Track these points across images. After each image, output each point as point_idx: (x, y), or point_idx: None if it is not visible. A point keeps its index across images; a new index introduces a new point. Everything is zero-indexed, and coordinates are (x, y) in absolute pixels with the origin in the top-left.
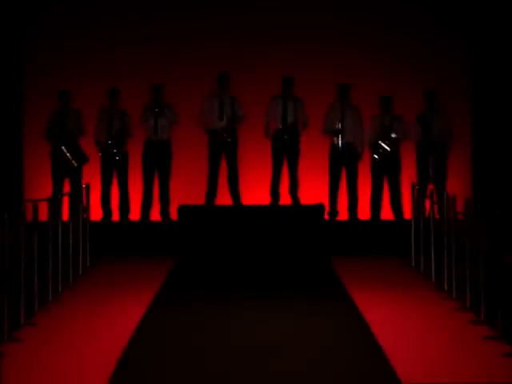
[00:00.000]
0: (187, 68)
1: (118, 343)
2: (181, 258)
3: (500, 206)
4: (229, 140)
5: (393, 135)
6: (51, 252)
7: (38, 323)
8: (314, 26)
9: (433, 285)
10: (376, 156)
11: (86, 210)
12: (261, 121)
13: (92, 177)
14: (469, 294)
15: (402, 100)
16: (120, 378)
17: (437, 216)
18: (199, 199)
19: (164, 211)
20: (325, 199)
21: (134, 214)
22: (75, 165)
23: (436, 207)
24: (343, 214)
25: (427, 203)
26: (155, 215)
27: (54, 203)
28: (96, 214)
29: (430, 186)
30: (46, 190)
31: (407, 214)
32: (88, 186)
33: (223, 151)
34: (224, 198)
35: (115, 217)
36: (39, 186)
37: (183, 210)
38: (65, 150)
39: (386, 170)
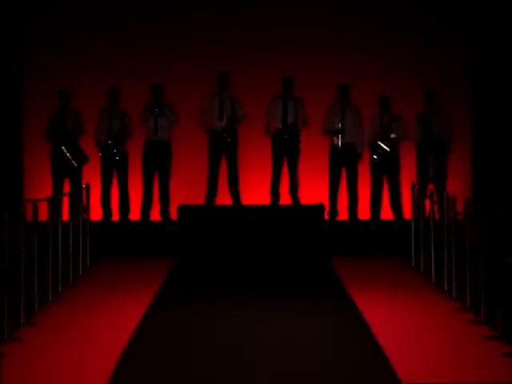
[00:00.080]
0: (187, 68)
1: (118, 343)
2: (181, 258)
3: (500, 206)
4: (229, 140)
5: (392, 135)
6: (51, 252)
7: (38, 323)
8: (314, 26)
9: (433, 285)
10: (375, 156)
11: (86, 210)
12: (261, 121)
13: (92, 177)
14: (469, 294)
15: (401, 100)
16: (120, 378)
17: (437, 216)
18: (199, 199)
19: (164, 211)
20: (325, 199)
21: (134, 214)
22: (75, 165)
23: (436, 207)
24: (343, 214)
25: (427, 203)
26: (155, 215)
27: (54, 203)
28: (96, 213)
29: (430, 186)
30: (46, 190)
31: (407, 214)
32: (88, 186)
33: (223, 151)
34: (224, 198)
35: (115, 217)
36: (39, 186)
37: (183, 210)
38: (65, 150)
39: (386, 170)
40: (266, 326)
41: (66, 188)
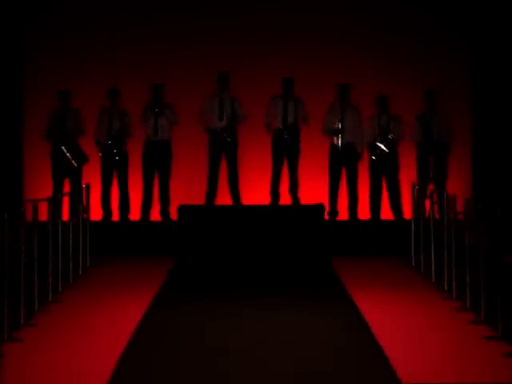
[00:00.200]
0: (187, 68)
1: (118, 343)
2: (181, 258)
3: (500, 206)
4: (229, 140)
5: (390, 136)
6: (51, 252)
7: (38, 323)
8: (314, 26)
9: (433, 285)
10: (374, 157)
11: (86, 210)
12: (261, 121)
13: (92, 177)
14: (469, 293)
15: (401, 100)
16: (120, 379)
17: (437, 216)
18: (199, 199)
19: (164, 211)
20: (325, 199)
21: (134, 214)
22: (75, 165)
23: (436, 207)
24: (343, 214)
25: (427, 203)
26: (155, 215)
27: (54, 203)
28: (96, 214)
29: (430, 186)
30: (46, 190)
31: (407, 214)
32: (88, 186)
33: (223, 151)
34: (224, 198)
35: (115, 217)
36: (39, 186)
37: (183, 209)
38: (65, 150)
39: (385, 170)
40: (266, 326)
41: (66, 188)
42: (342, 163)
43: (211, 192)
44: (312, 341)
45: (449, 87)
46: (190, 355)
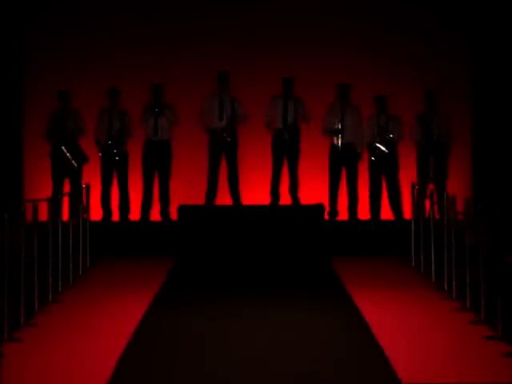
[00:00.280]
0: (187, 68)
1: (118, 343)
2: (181, 258)
3: (500, 206)
4: (229, 140)
5: (388, 136)
6: (51, 252)
7: (38, 323)
8: (314, 26)
9: (433, 285)
10: (373, 158)
11: (86, 210)
12: (261, 121)
13: (92, 177)
14: (469, 293)
15: (401, 100)
16: (120, 379)
17: (437, 216)
18: (199, 199)
19: (164, 211)
20: (325, 199)
21: (134, 214)
22: (75, 165)
23: (436, 207)
24: (343, 214)
25: (427, 203)
26: (155, 215)
27: (54, 203)
28: (96, 214)
29: (431, 186)
30: (46, 190)
31: (407, 214)
32: (88, 186)
33: (223, 151)
34: (224, 198)
35: (115, 217)
36: (39, 186)
37: (183, 210)
38: (65, 150)
39: (384, 170)
40: (266, 326)
41: (66, 188)
42: (341, 163)
43: (211, 192)
44: (312, 341)
45: (449, 87)
46: (189, 355)
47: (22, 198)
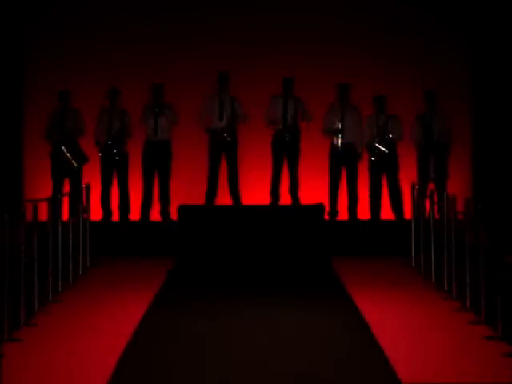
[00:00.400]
0: (187, 68)
1: (118, 343)
2: (181, 258)
3: (500, 206)
4: (229, 140)
5: (388, 136)
6: (51, 252)
7: (38, 323)
8: (314, 26)
9: (433, 285)
10: (373, 158)
11: (86, 210)
12: (261, 121)
13: (92, 177)
14: (469, 293)
15: (401, 100)
16: (120, 379)
17: (437, 216)
18: (199, 199)
19: (164, 211)
20: (325, 199)
21: (134, 214)
22: (75, 165)
23: (436, 207)
24: (343, 214)
25: (427, 203)
26: (155, 215)
27: (54, 203)
28: (96, 214)
29: (431, 186)
30: (46, 190)
31: (407, 214)
32: (88, 186)
33: (223, 151)
34: (224, 198)
35: (115, 217)
36: (39, 186)
37: (183, 209)
38: (65, 150)
39: (384, 170)
40: (266, 326)
41: (66, 188)
42: (341, 163)
43: (211, 192)
44: (312, 341)
45: (449, 87)
46: (189, 355)
47: (22, 198)
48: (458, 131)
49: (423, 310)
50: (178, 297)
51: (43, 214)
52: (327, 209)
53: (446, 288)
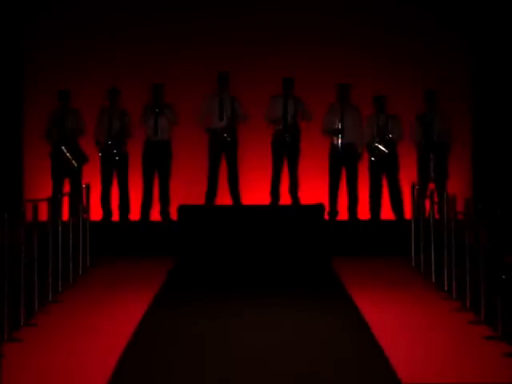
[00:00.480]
0: (187, 68)
1: (119, 343)
2: (181, 258)
3: (500, 206)
4: (229, 140)
5: (388, 136)
6: (51, 252)
7: (38, 323)
8: (314, 26)
9: (433, 285)
10: (373, 158)
11: (86, 210)
12: (261, 121)
13: (92, 177)
14: (469, 293)
15: (401, 100)
16: (120, 378)
17: (437, 216)
18: (199, 199)
19: (164, 211)
20: (325, 199)
21: (134, 214)
22: (75, 165)
23: (436, 207)
24: (343, 214)
25: (427, 203)
26: (155, 215)
27: (54, 203)
28: (96, 213)
29: (431, 186)
30: (46, 190)
31: (407, 214)
32: (88, 186)
33: (223, 151)
34: (224, 198)
35: (115, 217)
36: (39, 186)
37: (183, 210)
38: (65, 150)
39: (384, 170)
40: (266, 326)
41: (66, 188)
42: (341, 163)
43: (211, 192)
44: (312, 341)
45: (449, 87)
46: (189, 355)
47: (22, 198)
48: (458, 131)
49: (423, 310)
50: (178, 297)
51: (43, 214)
52: (327, 209)
53: (446, 288)
